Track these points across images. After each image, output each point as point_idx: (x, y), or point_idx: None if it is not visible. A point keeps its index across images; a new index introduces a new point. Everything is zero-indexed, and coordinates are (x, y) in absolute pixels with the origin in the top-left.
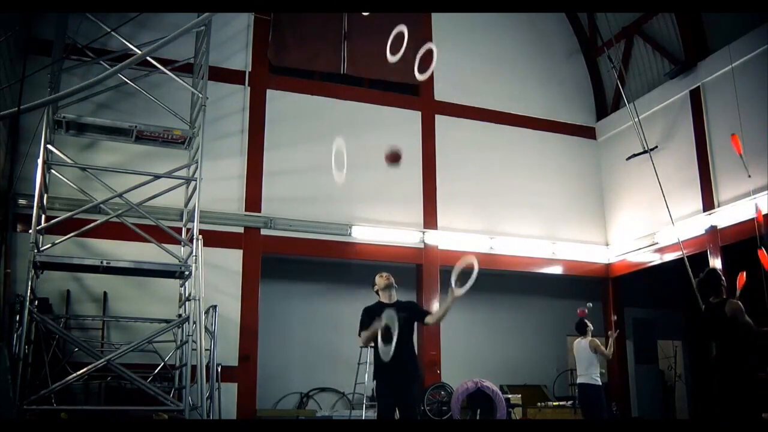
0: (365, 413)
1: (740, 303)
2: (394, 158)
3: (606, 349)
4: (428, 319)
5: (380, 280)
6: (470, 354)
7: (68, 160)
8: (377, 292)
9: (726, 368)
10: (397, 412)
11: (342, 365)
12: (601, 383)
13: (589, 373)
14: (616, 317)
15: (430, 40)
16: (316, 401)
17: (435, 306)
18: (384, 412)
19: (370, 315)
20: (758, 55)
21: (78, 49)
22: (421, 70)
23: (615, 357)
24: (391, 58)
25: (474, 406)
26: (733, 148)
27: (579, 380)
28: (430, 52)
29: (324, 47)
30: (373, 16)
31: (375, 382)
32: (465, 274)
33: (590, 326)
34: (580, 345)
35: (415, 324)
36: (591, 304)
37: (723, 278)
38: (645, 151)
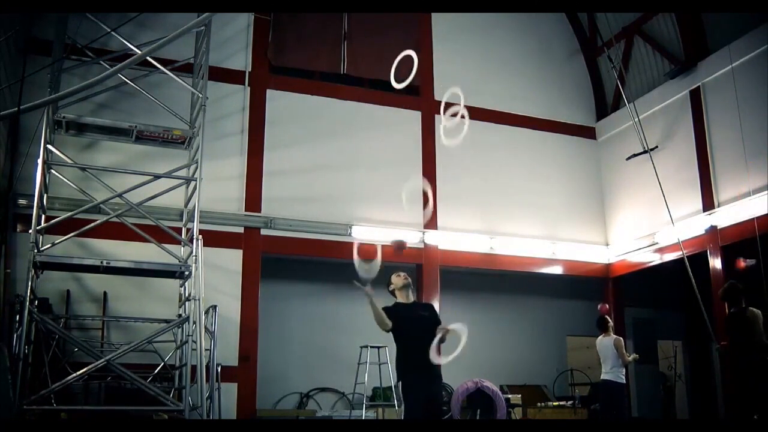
0: (365, 413)
1: (759, 313)
2: (399, 248)
3: (627, 355)
4: (438, 330)
5: (398, 279)
6: (470, 354)
7: (68, 160)
8: (393, 292)
9: (741, 369)
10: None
11: (342, 365)
12: (625, 382)
13: (614, 370)
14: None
15: (430, 40)
16: (316, 401)
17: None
18: (416, 410)
19: (391, 314)
20: (758, 55)
21: (78, 49)
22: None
23: None
24: (396, 85)
25: (474, 406)
26: None
27: (603, 377)
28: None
29: (324, 47)
30: (373, 16)
31: (403, 380)
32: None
33: (611, 322)
34: (604, 342)
35: None
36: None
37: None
38: (645, 151)
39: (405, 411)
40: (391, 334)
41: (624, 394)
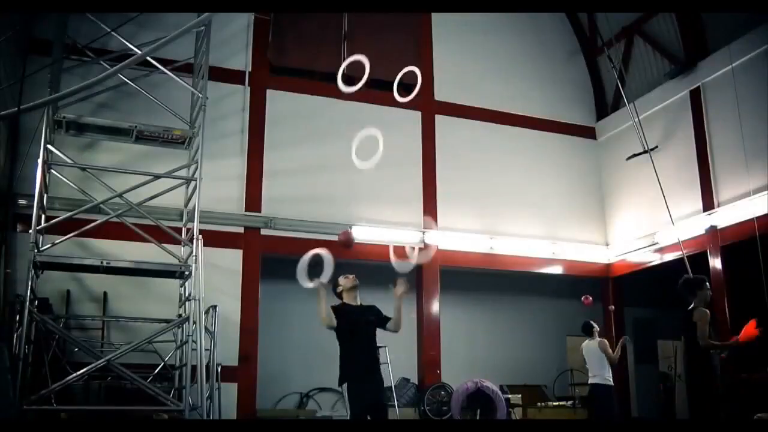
0: None
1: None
2: (346, 243)
3: (614, 352)
4: (389, 326)
5: (346, 281)
6: (470, 354)
7: (68, 160)
8: (340, 294)
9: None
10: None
11: None
12: (612, 384)
13: (602, 373)
14: (613, 306)
15: (430, 40)
16: (316, 401)
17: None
18: (360, 414)
19: (338, 314)
20: (758, 55)
21: (78, 49)
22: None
23: None
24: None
25: (474, 406)
26: None
27: (591, 380)
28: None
29: (324, 47)
30: (373, 16)
31: (346, 385)
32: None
33: (596, 327)
34: (590, 346)
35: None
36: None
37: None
38: (645, 151)
39: (350, 415)
40: (338, 334)
41: (612, 395)
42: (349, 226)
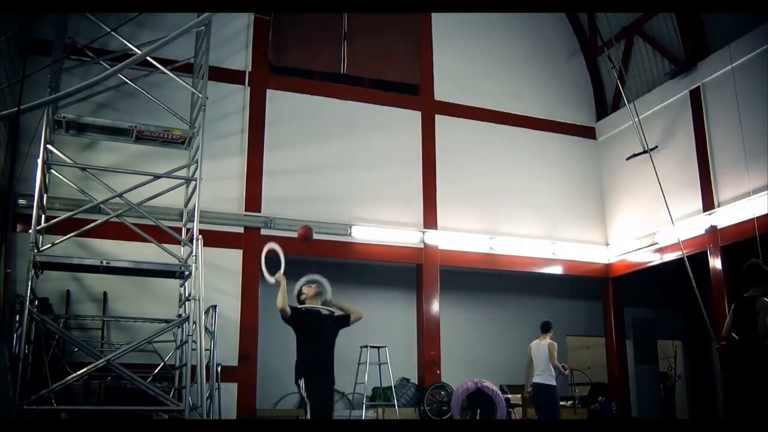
0: (365, 413)
1: None
2: (305, 237)
3: (556, 360)
4: (352, 320)
5: (309, 290)
6: (470, 354)
7: (68, 160)
8: (303, 302)
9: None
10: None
11: (342, 365)
12: (555, 384)
13: (545, 373)
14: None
15: (431, 40)
16: None
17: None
18: (321, 408)
19: (301, 314)
20: (758, 55)
21: (78, 49)
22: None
23: (615, 357)
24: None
25: (474, 406)
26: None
27: (535, 379)
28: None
29: (324, 47)
30: (373, 15)
31: (303, 380)
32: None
33: (552, 329)
34: (540, 345)
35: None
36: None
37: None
38: (645, 151)
39: (311, 410)
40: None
41: (555, 394)
42: (349, 226)
